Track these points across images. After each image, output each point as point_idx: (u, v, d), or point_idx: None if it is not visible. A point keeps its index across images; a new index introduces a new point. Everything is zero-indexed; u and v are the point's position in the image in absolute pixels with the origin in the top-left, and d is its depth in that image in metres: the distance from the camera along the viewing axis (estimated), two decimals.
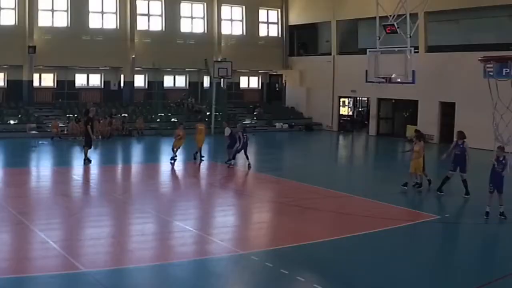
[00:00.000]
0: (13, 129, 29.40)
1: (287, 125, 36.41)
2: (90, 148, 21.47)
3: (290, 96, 40.26)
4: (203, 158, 22.48)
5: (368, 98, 36.63)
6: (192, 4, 37.07)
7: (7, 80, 32.58)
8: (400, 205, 15.37)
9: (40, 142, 27.25)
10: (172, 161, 21.53)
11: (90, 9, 33.40)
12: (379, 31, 25.51)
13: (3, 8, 31.35)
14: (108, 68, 34.96)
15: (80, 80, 35.04)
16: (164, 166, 23.41)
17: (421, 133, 17.58)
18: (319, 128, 37.13)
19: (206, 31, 37.40)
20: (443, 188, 16.52)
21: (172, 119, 34.31)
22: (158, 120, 33.74)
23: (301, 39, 40.88)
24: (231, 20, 38.78)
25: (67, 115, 31.43)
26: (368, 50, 26.04)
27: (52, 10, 32.59)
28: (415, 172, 16.85)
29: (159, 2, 35.80)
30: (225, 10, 38.23)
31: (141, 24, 35.30)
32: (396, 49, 24.69)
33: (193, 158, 22.38)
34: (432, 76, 29.25)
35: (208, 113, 34.72)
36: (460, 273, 10.36)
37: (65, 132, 29.09)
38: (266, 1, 39.73)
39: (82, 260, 10.25)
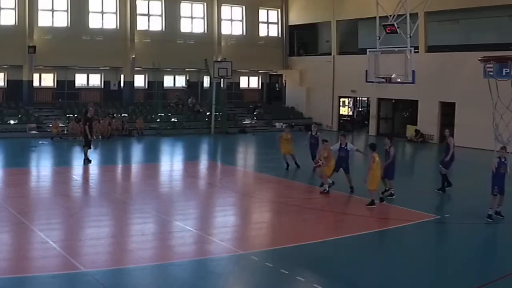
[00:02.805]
0: (13, 129, 29.39)
1: (286, 124, 36.31)
2: (90, 148, 21.46)
3: (290, 96, 40.25)
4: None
5: (368, 98, 36.65)
6: (192, 4, 37.06)
7: (7, 80, 32.55)
8: (400, 205, 15.36)
9: (40, 142, 27.26)
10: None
11: (90, 9, 33.37)
12: (379, 31, 25.47)
13: (3, 8, 31.32)
14: (108, 68, 34.95)
15: (80, 80, 35.02)
16: (164, 166, 23.43)
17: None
18: (319, 128, 37.05)
19: (206, 31, 37.39)
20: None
21: (172, 119, 34.35)
22: (158, 120, 33.74)
23: (301, 39, 40.87)
24: (231, 20, 38.77)
25: (67, 115, 31.43)
26: (368, 50, 26.00)
27: (52, 10, 32.56)
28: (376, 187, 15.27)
29: (159, 2, 35.80)
30: (225, 10, 38.22)
31: (141, 24, 35.28)
32: (396, 49, 24.66)
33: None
34: (432, 76, 29.25)
35: (208, 113, 34.73)
36: (460, 273, 10.35)
37: (65, 132, 29.07)
38: (266, 1, 39.71)
39: (82, 260, 10.26)
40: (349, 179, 16.83)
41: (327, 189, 16.49)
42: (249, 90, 41.45)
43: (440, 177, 17.23)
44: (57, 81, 34.05)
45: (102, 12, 33.98)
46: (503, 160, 13.74)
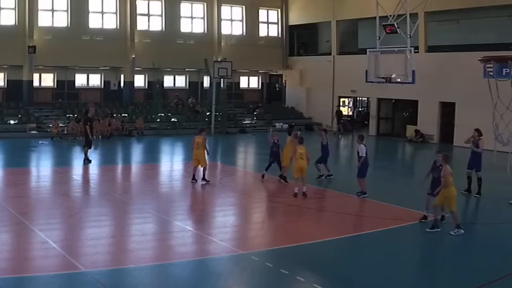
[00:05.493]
0: (13, 129, 29.39)
1: (287, 125, 36.35)
2: (90, 148, 21.46)
3: (290, 96, 40.26)
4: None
5: (368, 98, 36.65)
6: (192, 4, 37.06)
7: (7, 80, 32.57)
8: (400, 205, 15.35)
9: (40, 142, 27.26)
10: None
11: (90, 9, 33.39)
12: (379, 31, 25.50)
13: (3, 8, 31.33)
14: (108, 68, 34.96)
15: (80, 80, 35.03)
16: (164, 166, 23.42)
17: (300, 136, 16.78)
18: (319, 128, 37.08)
19: (206, 31, 37.40)
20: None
21: (172, 119, 34.35)
22: (158, 120, 33.74)
23: (301, 39, 40.88)
24: (231, 20, 38.78)
25: (67, 115, 31.43)
26: (368, 50, 26.02)
27: (52, 10, 32.58)
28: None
29: (159, 2, 35.80)
30: (225, 10, 38.24)
31: (141, 24, 35.29)
32: (396, 49, 24.67)
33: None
34: (432, 76, 29.24)
35: (208, 113, 34.73)
36: (459, 273, 10.36)
37: (65, 132, 29.08)
38: (266, 1, 39.72)
39: (82, 260, 10.25)
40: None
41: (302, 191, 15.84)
42: (249, 90, 41.46)
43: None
44: (57, 81, 34.06)
45: (102, 12, 33.99)
46: (437, 164, 13.22)
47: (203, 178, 17.68)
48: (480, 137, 16.27)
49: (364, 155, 16.03)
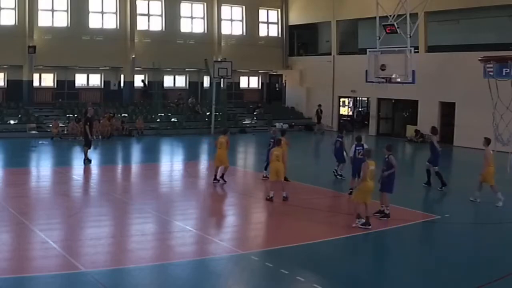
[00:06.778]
0: (13, 129, 29.39)
1: (287, 125, 36.38)
2: (90, 148, 21.46)
3: (290, 96, 40.26)
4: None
5: (368, 98, 36.65)
6: (192, 4, 37.07)
7: (7, 80, 32.57)
8: (400, 205, 15.34)
9: (40, 142, 27.25)
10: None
11: (90, 9, 33.38)
12: (379, 31, 25.50)
13: (3, 8, 31.33)
14: (108, 68, 34.95)
15: (80, 80, 35.02)
16: (164, 166, 23.42)
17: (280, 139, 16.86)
18: (319, 128, 37.08)
19: (206, 31, 37.41)
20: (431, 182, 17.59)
21: (172, 119, 34.35)
22: (158, 120, 33.75)
23: (301, 39, 40.88)
24: (231, 20, 38.78)
25: (67, 115, 31.43)
26: (368, 50, 26.02)
27: (52, 10, 32.58)
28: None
29: (159, 2, 35.80)
30: (225, 10, 38.24)
31: (141, 24, 35.29)
32: (396, 49, 24.68)
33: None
34: (432, 76, 29.24)
35: (208, 113, 34.72)
36: (459, 273, 10.36)
37: (65, 132, 29.07)
38: (266, 1, 39.73)
39: (82, 260, 10.26)
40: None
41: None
42: (249, 90, 41.46)
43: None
44: (57, 81, 34.05)
45: (102, 12, 33.99)
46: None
47: (222, 178, 17.63)
48: (434, 135, 17.57)
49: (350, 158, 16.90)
